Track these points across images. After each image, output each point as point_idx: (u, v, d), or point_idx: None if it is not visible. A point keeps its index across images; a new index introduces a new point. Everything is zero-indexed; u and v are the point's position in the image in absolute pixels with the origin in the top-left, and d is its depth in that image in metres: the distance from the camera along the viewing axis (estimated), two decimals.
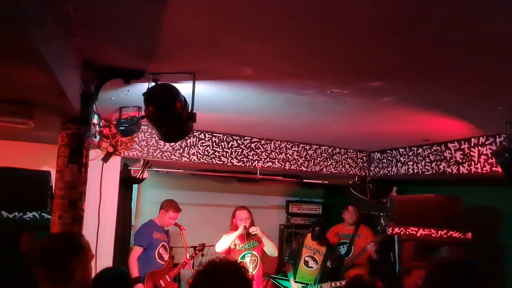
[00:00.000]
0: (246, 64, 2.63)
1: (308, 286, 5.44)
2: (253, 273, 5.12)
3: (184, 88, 2.84)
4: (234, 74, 2.82)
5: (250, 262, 5.10)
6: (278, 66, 2.64)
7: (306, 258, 5.61)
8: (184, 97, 2.81)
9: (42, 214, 3.33)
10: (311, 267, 5.57)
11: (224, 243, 5.12)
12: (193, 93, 2.86)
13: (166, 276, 5.18)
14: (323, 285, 5.38)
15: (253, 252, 5.18)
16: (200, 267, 1.90)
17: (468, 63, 2.38)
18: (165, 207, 5.35)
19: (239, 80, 2.95)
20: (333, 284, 5.32)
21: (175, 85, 2.76)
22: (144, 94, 2.71)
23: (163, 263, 5.28)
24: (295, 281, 5.53)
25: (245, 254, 5.21)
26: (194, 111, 2.89)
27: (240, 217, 5.21)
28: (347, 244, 5.89)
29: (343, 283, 5.20)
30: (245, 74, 2.77)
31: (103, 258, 4.09)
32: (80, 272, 1.94)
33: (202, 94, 3.21)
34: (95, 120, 3.73)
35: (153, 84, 2.80)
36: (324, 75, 2.78)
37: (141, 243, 5.12)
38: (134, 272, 5.00)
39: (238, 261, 1.97)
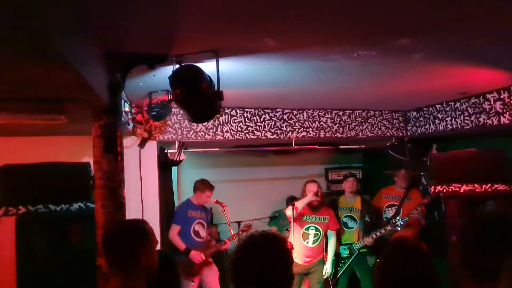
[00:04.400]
0: (267, 36, 2.58)
1: (353, 245, 5.47)
2: (313, 246, 5.25)
3: (208, 67, 2.84)
4: (257, 47, 2.78)
5: (312, 235, 5.24)
6: (300, 34, 2.58)
7: (344, 220, 5.65)
8: (209, 77, 2.81)
9: (87, 204, 3.45)
10: (352, 228, 5.61)
11: (296, 207, 5.13)
12: (218, 71, 2.85)
13: (201, 254, 5.31)
14: (364, 240, 5.40)
15: (318, 226, 5.29)
16: (241, 241, 1.92)
17: (497, 9, 2.25)
18: (201, 188, 5.50)
19: (262, 53, 2.91)
20: (373, 235, 5.34)
21: (199, 65, 2.76)
22: (169, 78, 2.72)
23: (200, 240, 5.45)
24: (341, 245, 5.57)
25: (309, 226, 5.28)
26: (220, 89, 2.88)
27: (310, 189, 5.27)
28: (396, 207, 5.74)
29: (383, 231, 5.27)
30: (268, 46, 2.73)
31: None
32: (146, 258, 2.03)
33: (227, 71, 3.19)
34: (126, 108, 3.79)
35: (177, 66, 2.81)
36: (348, 38, 2.70)
37: (177, 221, 5.36)
38: (181, 245, 5.24)
39: (277, 233, 1.97)
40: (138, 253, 1.99)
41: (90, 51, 2.13)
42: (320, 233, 5.30)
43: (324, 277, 5.37)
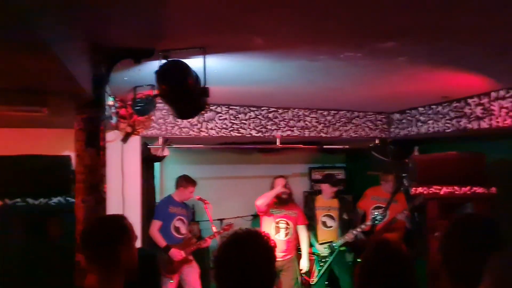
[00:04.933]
0: (255, 34, 2.58)
1: (333, 242, 5.52)
2: (284, 239, 5.37)
3: (195, 63, 2.82)
4: (244, 45, 2.78)
5: (283, 229, 5.40)
6: (288, 33, 2.58)
7: (323, 219, 5.70)
8: (196, 73, 2.79)
9: (67, 198, 3.41)
10: (331, 226, 5.67)
11: (264, 197, 5.37)
12: (205, 67, 2.84)
13: (182, 251, 5.29)
14: (346, 236, 5.45)
15: (287, 219, 5.43)
16: (224, 238, 1.91)
17: (481, 17, 2.29)
18: (184, 183, 5.51)
19: (249, 51, 2.91)
20: (354, 232, 5.40)
21: (186, 61, 2.74)
22: (155, 73, 2.70)
23: (181, 236, 5.43)
24: (320, 244, 5.61)
25: (280, 220, 5.42)
26: (207, 86, 2.87)
27: (278, 183, 5.46)
28: (383, 209, 5.77)
29: (363, 226, 5.38)
30: (255, 44, 2.73)
31: None
32: (125, 254, 1.99)
33: (214, 68, 3.18)
34: (110, 101, 3.75)
35: (164, 61, 2.79)
36: (335, 39, 2.72)
37: (157, 217, 5.35)
38: (161, 241, 5.23)
39: (261, 231, 1.97)
40: (117, 249, 1.96)
41: (75, 42, 2.10)
42: (290, 227, 5.44)
43: (302, 271, 5.44)
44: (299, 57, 3.09)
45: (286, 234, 5.42)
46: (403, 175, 4.90)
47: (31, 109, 2.45)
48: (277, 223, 5.40)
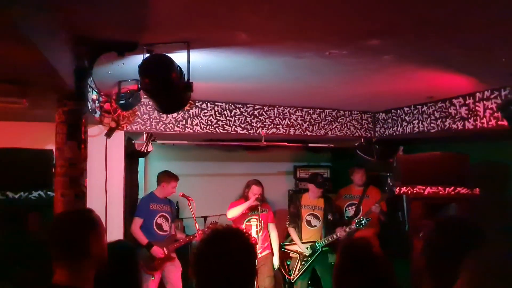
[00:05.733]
0: (240, 29, 2.56)
1: (316, 243, 5.53)
2: (256, 236, 5.35)
3: (180, 58, 2.80)
4: (229, 40, 2.76)
5: (254, 226, 5.42)
6: (273, 29, 2.57)
7: (308, 218, 5.72)
8: (180, 67, 2.77)
9: (48, 192, 3.35)
10: (315, 226, 5.68)
11: (236, 211, 5.42)
12: (189, 62, 2.81)
13: (164, 248, 5.26)
14: (327, 238, 5.47)
15: (258, 217, 5.42)
16: (204, 235, 1.89)
17: (465, 15, 2.29)
18: (166, 179, 5.48)
19: (234, 46, 2.89)
20: (347, 229, 5.43)
21: (171, 55, 2.71)
22: (139, 66, 2.67)
23: (163, 233, 5.39)
24: (303, 243, 5.62)
25: (251, 218, 5.48)
26: (191, 81, 2.85)
27: (254, 192, 5.47)
28: (356, 205, 5.90)
29: (348, 229, 5.42)
30: (240, 39, 2.71)
31: (113, 233, 4.14)
32: (96, 247, 1.96)
33: (198, 63, 3.15)
34: (94, 95, 3.70)
35: (147, 55, 2.76)
36: (320, 36, 2.70)
37: (139, 214, 5.31)
38: (142, 239, 5.19)
39: (241, 228, 1.95)
40: (86, 242, 1.92)
41: (56, 33, 2.06)
42: (262, 225, 5.48)
43: (275, 267, 5.53)
44: (284, 54, 3.07)
45: (258, 231, 5.44)
46: (388, 174, 4.94)
47: (10, 100, 2.40)
48: (249, 221, 5.45)
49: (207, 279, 1.77)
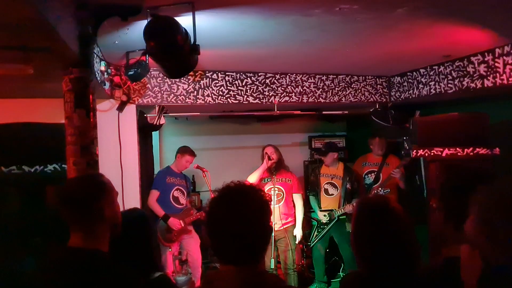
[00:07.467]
0: None
1: (333, 211, 5.51)
2: (277, 205, 5.32)
3: (185, 21, 2.72)
4: None
5: (275, 196, 5.31)
6: None
7: (326, 186, 5.72)
8: (185, 29, 2.70)
9: (63, 165, 3.38)
10: (332, 194, 5.67)
11: (254, 176, 5.37)
12: (194, 23, 2.74)
13: (181, 221, 5.28)
14: (344, 207, 5.44)
15: (279, 186, 5.38)
16: (216, 193, 1.81)
17: None
18: (181, 151, 5.54)
19: (240, 6, 2.80)
20: (354, 204, 5.35)
21: (176, 19, 2.64)
22: (144, 30, 2.61)
23: (180, 206, 5.44)
24: (321, 211, 5.60)
25: (271, 188, 5.36)
26: (197, 43, 2.78)
27: (268, 153, 5.45)
28: (375, 173, 5.83)
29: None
30: None
31: (130, 206, 4.15)
32: (109, 210, 1.95)
33: (204, 26, 3.08)
34: (102, 67, 3.67)
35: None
36: None
37: (155, 187, 5.36)
38: (159, 211, 5.24)
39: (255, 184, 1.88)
40: (98, 204, 1.91)
41: None
42: (283, 194, 5.39)
43: (297, 242, 5.42)
44: (292, 12, 2.96)
45: (279, 201, 5.37)
46: (404, 138, 4.83)
47: (16, 67, 2.36)
48: (269, 190, 5.33)
49: (220, 238, 1.71)
